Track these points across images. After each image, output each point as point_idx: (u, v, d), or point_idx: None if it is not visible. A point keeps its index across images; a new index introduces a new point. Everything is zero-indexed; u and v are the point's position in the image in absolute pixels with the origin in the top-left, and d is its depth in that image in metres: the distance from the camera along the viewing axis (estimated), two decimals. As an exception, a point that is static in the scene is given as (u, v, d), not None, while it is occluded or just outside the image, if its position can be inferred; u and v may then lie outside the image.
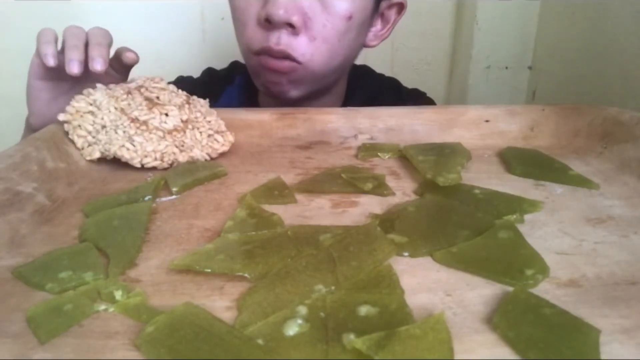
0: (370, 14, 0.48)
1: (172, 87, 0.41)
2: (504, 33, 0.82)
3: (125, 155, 0.35)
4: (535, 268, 0.22)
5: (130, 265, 0.24)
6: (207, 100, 0.43)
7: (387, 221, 0.27)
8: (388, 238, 0.25)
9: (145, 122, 0.37)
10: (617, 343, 0.18)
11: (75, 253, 0.25)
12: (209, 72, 0.63)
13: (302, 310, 0.20)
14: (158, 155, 0.36)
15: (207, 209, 0.30)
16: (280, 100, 0.49)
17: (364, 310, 0.20)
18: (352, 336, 0.18)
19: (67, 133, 0.37)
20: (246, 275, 0.22)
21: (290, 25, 0.43)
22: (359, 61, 0.56)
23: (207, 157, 0.39)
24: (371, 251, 0.23)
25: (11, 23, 0.76)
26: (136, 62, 0.45)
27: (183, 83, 0.42)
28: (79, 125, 0.37)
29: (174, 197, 0.32)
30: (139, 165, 0.36)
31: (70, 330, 0.19)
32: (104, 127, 0.37)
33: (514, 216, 0.27)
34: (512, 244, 0.24)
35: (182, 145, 0.38)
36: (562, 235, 0.26)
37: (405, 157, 0.38)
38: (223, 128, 0.41)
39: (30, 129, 0.44)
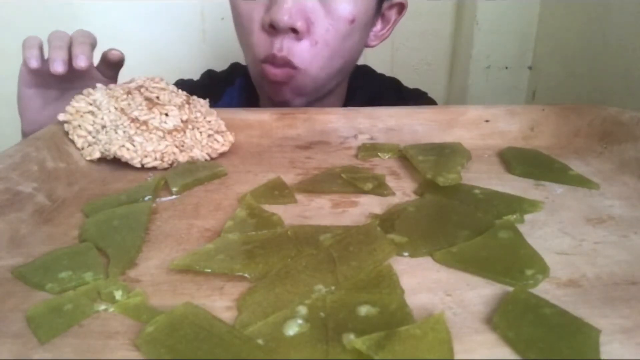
0: (372, 15, 0.49)
1: (172, 87, 0.41)
2: (504, 33, 0.82)
3: (125, 155, 0.35)
4: (535, 268, 0.22)
5: (130, 265, 0.24)
6: (207, 100, 0.43)
7: (387, 221, 0.27)
8: (388, 238, 0.25)
9: (145, 122, 0.37)
10: (617, 343, 0.18)
11: (75, 253, 0.25)
12: (209, 74, 0.63)
13: (302, 310, 0.20)
14: (158, 155, 0.36)
15: (207, 209, 0.30)
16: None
17: (364, 310, 0.20)
18: (352, 336, 0.18)
19: (67, 133, 0.37)
20: (246, 275, 0.22)
21: (294, 30, 0.43)
22: (359, 61, 0.56)
23: (207, 157, 0.39)
24: (371, 251, 0.23)
25: (11, 23, 0.76)
26: (121, 59, 0.45)
27: (183, 86, 0.42)
28: (79, 125, 0.37)
29: (174, 197, 0.32)
30: (139, 165, 0.36)
31: (70, 330, 0.19)
32: (104, 127, 0.37)
33: (514, 216, 0.27)
34: (512, 244, 0.24)
35: (182, 145, 0.38)
36: (562, 235, 0.26)
37: (405, 157, 0.38)
38: (223, 128, 0.41)
39: (25, 137, 0.44)
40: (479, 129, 0.43)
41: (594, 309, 0.20)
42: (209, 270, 0.23)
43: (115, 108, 0.37)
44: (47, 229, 0.28)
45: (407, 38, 0.87)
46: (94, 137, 0.37)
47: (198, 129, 0.39)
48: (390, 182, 0.34)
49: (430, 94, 0.62)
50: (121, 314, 0.20)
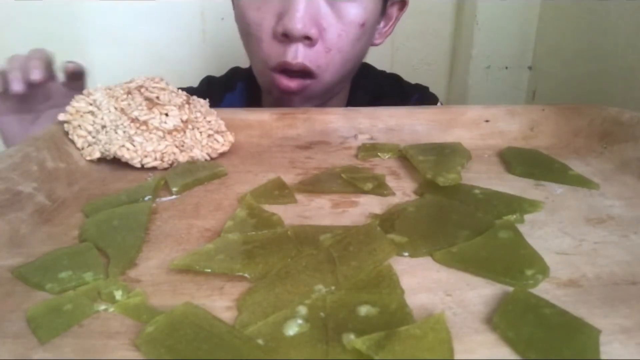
0: (378, 16, 0.49)
1: (172, 87, 0.41)
2: (504, 33, 0.82)
3: (125, 155, 0.35)
4: (535, 268, 0.22)
5: (130, 265, 0.24)
6: (207, 100, 0.43)
7: (387, 221, 0.27)
8: (388, 238, 0.25)
9: (145, 122, 0.37)
10: (617, 343, 0.18)
11: (75, 253, 0.25)
12: (208, 80, 0.63)
13: (302, 310, 0.20)
14: (158, 155, 0.36)
15: (207, 209, 0.30)
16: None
17: (364, 310, 0.20)
18: (352, 336, 0.18)
19: (67, 133, 0.37)
20: (246, 275, 0.22)
21: (307, 38, 0.43)
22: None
23: (207, 157, 0.39)
24: (371, 251, 0.23)
25: (11, 23, 0.76)
26: (78, 70, 0.46)
27: None
28: (79, 125, 0.37)
29: (174, 197, 0.32)
30: (139, 165, 0.36)
31: (70, 330, 0.19)
32: (104, 127, 0.37)
33: (514, 216, 0.27)
34: (512, 244, 0.24)
35: (182, 145, 0.38)
36: (562, 235, 0.26)
37: (405, 157, 0.38)
38: (223, 128, 0.41)
39: None
40: (479, 129, 0.43)
41: (594, 309, 0.20)
42: (209, 270, 0.23)
43: (115, 108, 0.37)
44: (47, 229, 0.28)
45: (407, 38, 0.87)
46: (94, 137, 0.37)
47: (198, 129, 0.39)
48: (390, 182, 0.34)
49: (431, 94, 0.62)
50: (121, 314, 0.20)
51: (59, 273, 0.23)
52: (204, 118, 0.40)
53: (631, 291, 0.21)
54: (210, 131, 0.40)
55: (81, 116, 0.37)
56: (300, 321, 0.19)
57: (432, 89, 0.62)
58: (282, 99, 0.49)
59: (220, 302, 0.21)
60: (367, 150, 0.40)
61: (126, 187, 0.33)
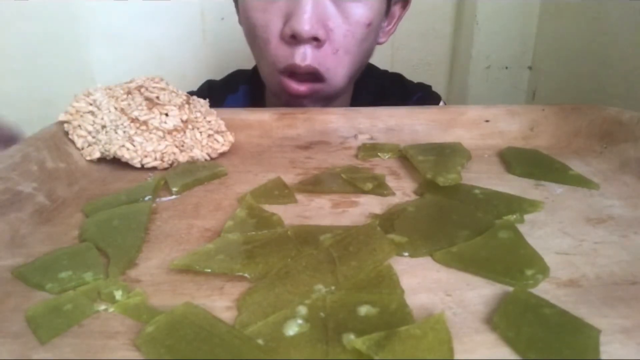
0: (383, 15, 0.49)
1: (172, 87, 0.41)
2: (504, 33, 0.82)
3: (125, 155, 0.35)
4: (535, 268, 0.22)
5: (130, 265, 0.24)
6: (207, 100, 0.43)
7: (387, 221, 0.27)
8: (388, 238, 0.25)
9: (145, 122, 0.37)
10: (617, 343, 0.18)
11: (75, 253, 0.25)
12: (209, 84, 0.63)
13: (302, 310, 0.20)
14: (158, 155, 0.36)
15: (207, 209, 0.30)
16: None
17: (364, 310, 0.20)
18: (352, 336, 0.18)
19: (67, 133, 0.37)
20: (246, 275, 0.22)
21: (315, 39, 0.43)
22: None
23: (207, 157, 0.39)
24: (371, 251, 0.23)
25: (11, 23, 0.76)
26: (8, 136, 0.44)
27: None
28: (79, 125, 0.37)
29: (174, 197, 0.32)
30: (139, 165, 0.36)
31: (70, 330, 0.19)
32: (104, 127, 0.37)
33: (514, 216, 0.27)
34: (512, 244, 0.24)
35: (182, 145, 0.38)
36: (562, 235, 0.26)
37: (405, 157, 0.38)
38: (223, 128, 0.41)
39: None
40: (479, 129, 0.43)
41: (594, 309, 0.20)
42: (209, 270, 0.23)
43: (115, 108, 0.37)
44: (47, 229, 0.28)
45: (407, 38, 0.87)
46: (94, 137, 0.37)
47: (198, 129, 0.39)
48: (390, 182, 0.34)
49: (431, 94, 0.62)
50: (121, 314, 0.20)
51: (59, 273, 0.23)
52: (204, 118, 0.40)
53: (631, 291, 0.21)
54: (210, 131, 0.40)
55: (81, 116, 0.37)
56: (300, 321, 0.19)
57: (432, 89, 0.62)
58: (292, 102, 0.48)
59: (220, 302, 0.21)
60: (367, 150, 0.40)
61: (126, 187, 0.33)
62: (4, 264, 0.24)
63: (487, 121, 0.43)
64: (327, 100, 0.50)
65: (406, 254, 0.24)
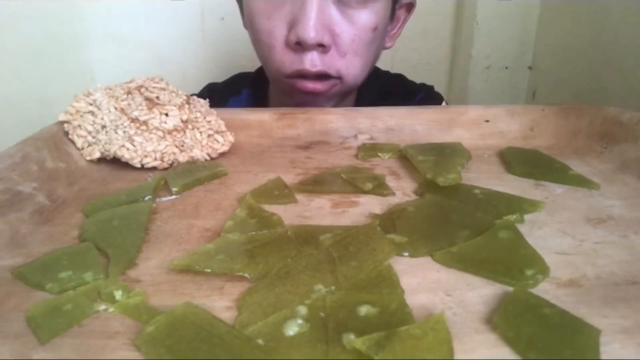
0: (389, 18, 0.49)
1: (172, 87, 0.41)
2: (504, 33, 0.82)
3: (125, 155, 0.35)
4: (535, 268, 0.22)
5: (130, 265, 0.24)
6: (207, 100, 0.43)
7: (387, 221, 0.27)
8: (388, 238, 0.25)
9: (145, 122, 0.37)
10: (617, 343, 0.18)
11: (75, 253, 0.25)
12: (210, 87, 0.63)
13: (302, 310, 0.20)
14: (158, 155, 0.36)
15: (207, 209, 0.30)
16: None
17: (364, 310, 0.20)
18: (352, 336, 0.18)
19: (67, 133, 0.37)
20: (246, 275, 0.22)
21: (321, 45, 0.43)
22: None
23: (207, 157, 0.39)
24: (371, 251, 0.23)
25: (12, 23, 0.76)
26: None
27: None
28: (79, 125, 0.37)
29: (174, 197, 0.32)
30: (139, 165, 0.36)
31: (70, 330, 0.19)
32: (104, 127, 0.37)
33: (514, 216, 0.27)
34: (512, 244, 0.24)
35: (182, 145, 0.38)
36: (562, 235, 0.26)
37: (405, 157, 0.38)
38: (223, 128, 0.41)
39: None
40: (479, 129, 0.43)
41: (594, 309, 0.20)
42: (209, 270, 0.23)
43: (115, 108, 0.37)
44: (47, 229, 0.28)
45: (407, 38, 0.87)
46: (94, 137, 0.37)
47: (198, 129, 0.39)
48: (390, 182, 0.34)
49: (431, 94, 0.62)
50: (121, 314, 0.20)
51: (59, 273, 0.23)
52: (204, 118, 0.40)
53: (631, 291, 0.21)
54: (210, 131, 0.40)
55: (81, 116, 0.37)
56: (300, 321, 0.19)
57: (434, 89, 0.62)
58: (304, 103, 0.48)
59: (220, 302, 0.21)
60: (367, 150, 0.40)
61: (126, 187, 0.33)
62: (4, 264, 0.24)
63: (487, 121, 0.43)
64: (341, 96, 0.50)
65: (406, 254, 0.24)
